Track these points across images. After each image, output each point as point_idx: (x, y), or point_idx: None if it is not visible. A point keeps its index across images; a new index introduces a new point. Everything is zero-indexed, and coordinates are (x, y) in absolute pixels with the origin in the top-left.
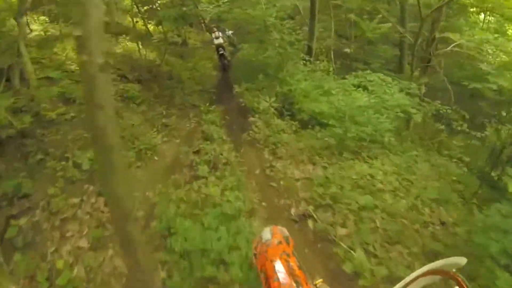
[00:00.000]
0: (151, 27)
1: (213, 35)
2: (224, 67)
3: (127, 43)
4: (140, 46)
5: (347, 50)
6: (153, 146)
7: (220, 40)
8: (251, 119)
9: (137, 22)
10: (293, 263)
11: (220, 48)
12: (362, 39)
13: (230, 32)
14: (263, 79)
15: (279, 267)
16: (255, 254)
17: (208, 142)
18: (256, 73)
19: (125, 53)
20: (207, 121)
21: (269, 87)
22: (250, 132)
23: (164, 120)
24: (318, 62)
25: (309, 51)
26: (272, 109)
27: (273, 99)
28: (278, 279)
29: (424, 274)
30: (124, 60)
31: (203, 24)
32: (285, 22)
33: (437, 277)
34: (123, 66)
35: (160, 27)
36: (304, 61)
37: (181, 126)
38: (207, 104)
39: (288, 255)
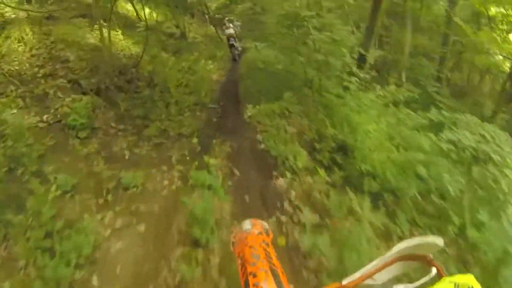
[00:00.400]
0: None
1: (224, 26)
2: (234, 57)
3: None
4: (121, 36)
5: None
6: (92, 250)
7: (231, 30)
8: (279, 182)
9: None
10: (271, 253)
11: (231, 38)
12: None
13: (238, 23)
14: (291, 100)
15: (257, 253)
16: (233, 242)
17: (201, 251)
18: (278, 88)
19: (99, 45)
20: (201, 181)
21: (304, 115)
22: (281, 217)
23: (123, 174)
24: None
25: (360, 63)
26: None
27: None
28: (255, 264)
29: (398, 259)
30: (90, 57)
31: (206, 16)
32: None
33: (413, 263)
34: (82, 65)
35: (154, 13)
36: (357, 80)
37: (153, 186)
38: (203, 136)
39: (267, 245)
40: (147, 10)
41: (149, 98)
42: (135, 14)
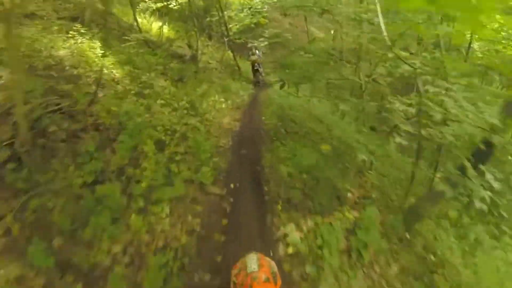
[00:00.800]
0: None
1: (250, 52)
2: (258, 82)
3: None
4: (98, 50)
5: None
6: None
7: (256, 57)
8: None
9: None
10: None
11: (256, 64)
12: None
13: (262, 50)
14: (370, 218)
15: None
16: (234, 283)
17: None
18: (330, 176)
19: (69, 59)
20: None
21: (390, 256)
22: None
23: None
24: None
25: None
26: None
27: None
28: None
29: None
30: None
31: (226, 39)
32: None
33: None
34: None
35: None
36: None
37: None
38: None
39: None
40: (158, 24)
41: (96, 178)
42: (135, 23)
